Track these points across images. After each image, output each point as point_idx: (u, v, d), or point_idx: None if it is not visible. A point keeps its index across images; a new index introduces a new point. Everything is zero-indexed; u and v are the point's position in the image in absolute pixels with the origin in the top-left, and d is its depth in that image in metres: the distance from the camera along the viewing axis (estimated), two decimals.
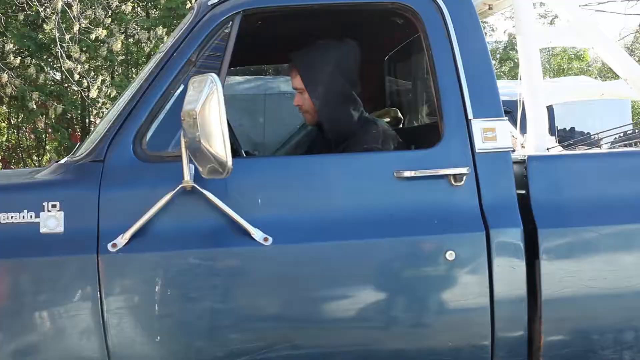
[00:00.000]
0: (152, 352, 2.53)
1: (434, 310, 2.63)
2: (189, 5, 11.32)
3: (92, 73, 11.61)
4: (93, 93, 11.07)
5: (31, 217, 2.51)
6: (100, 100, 11.56)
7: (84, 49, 11.03)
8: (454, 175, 2.63)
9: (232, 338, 2.57)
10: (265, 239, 2.53)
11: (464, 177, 2.63)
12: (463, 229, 2.61)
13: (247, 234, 2.53)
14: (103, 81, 11.55)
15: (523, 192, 2.70)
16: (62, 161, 2.82)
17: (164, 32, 11.49)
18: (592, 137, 4.50)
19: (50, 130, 13.68)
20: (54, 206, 2.52)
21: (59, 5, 9.97)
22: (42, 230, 2.51)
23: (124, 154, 2.60)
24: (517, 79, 3.42)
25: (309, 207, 2.62)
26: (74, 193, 2.57)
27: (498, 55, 21.98)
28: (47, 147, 14.74)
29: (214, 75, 2.35)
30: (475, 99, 2.70)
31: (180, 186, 2.51)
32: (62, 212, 2.52)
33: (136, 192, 2.58)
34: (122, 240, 2.49)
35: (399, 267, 2.62)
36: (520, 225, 2.61)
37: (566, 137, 7.61)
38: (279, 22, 3.01)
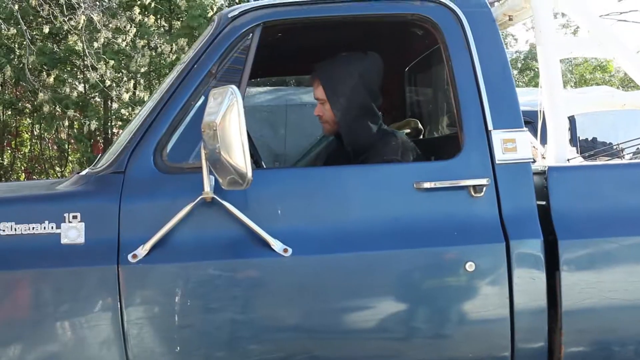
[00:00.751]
0: None
1: (454, 321, 2.62)
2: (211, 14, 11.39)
3: (114, 85, 11.67)
4: (125, 97, 11.17)
5: (52, 228, 2.53)
6: (124, 112, 11.64)
7: (108, 61, 11.13)
8: (474, 187, 2.62)
9: (252, 348, 2.57)
10: (285, 250, 2.53)
11: (484, 188, 2.62)
12: (483, 240, 2.60)
13: (266, 245, 2.53)
14: (127, 90, 11.64)
15: (543, 203, 2.68)
16: (83, 172, 2.85)
17: (185, 43, 11.57)
18: (614, 147, 4.46)
19: (73, 141, 13.78)
20: (74, 217, 2.54)
21: (82, 18, 10.08)
22: (63, 241, 2.53)
23: (145, 165, 2.62)
24: (537, 87, 3.42)
25: (329, 218, 2.62)
26: (95, 204, 2.59)
27: (519, 65, 21.91)
28: (69, 157, 14.85)
29: (233, 87, 2.37)
30: (495, 110, 2.69)
31: (200, 197, 2.52)
32: (83, 223, 2.54)
33: (156, 203, 2.59)
34: (142, 251, 2.51)
35: (419, 278, 2.62)
36: (541, 236, 2.60)
37: (588, 147, 7.56)
38: (298, 34, 3.02)
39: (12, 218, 2.54)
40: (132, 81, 12.28)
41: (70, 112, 11.38)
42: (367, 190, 2.65)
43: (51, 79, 11.48)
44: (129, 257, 2.50)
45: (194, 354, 2.54)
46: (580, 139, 8.07)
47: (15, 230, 2.53)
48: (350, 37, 3.14)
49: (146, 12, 11.82)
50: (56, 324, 2.52)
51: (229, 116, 2.31)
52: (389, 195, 2.64)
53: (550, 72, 2.92)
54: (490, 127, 2.68)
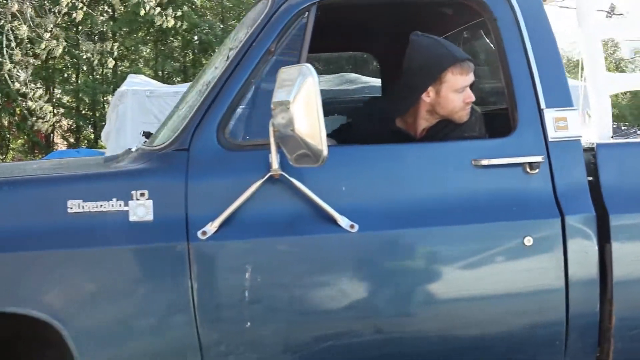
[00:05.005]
0: (242, 338, 2.57)
1: (513, 293, 2.71)
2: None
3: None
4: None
5: (120, 205, 2.53)
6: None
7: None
8: (530, 164, 2.71)
9: (319, 323, 2.62)
10: (352, 226, 2.58)
11: (539, 165, 2.71)
12: (540, 215, 2.70)
13: (332, 221, 2.58)
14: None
15: (590, 178, 2.78)
16: (135, 149, 2.85)
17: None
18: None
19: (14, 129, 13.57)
20: (142, 194, 2.55)
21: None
22: (132, 218, 2.53)
23: (208, 142, 2.63)
24: None
25: (391, 195, 2.68)
26: (162, 182, 2.59)
27: None
28: (10, 145, 14.61)
29: (308, 65, 2.39)
30: (547, 90, 2.78)
31: (268, 174, 2.55)
32: (151, 201, 2.54)
33: (221, 180, 2.61)
34: (211, 228, 2.53)
35: (480, 252, 2.69)
36: (593, 211, 2.70)
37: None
38: (351, 13, 3.05)
39: (79, 196, 2.53)
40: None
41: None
42: (428, 168, 2.72)
43: None
44: (199, 234, 2.52)
45: (263, 329, 2.58)
46: None
47: (83, 208, 2.53)
48: (401, 16, 3.18)
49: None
50: (125, 301, 2.53)
51: (304, 93, 2.34)
52: (449, 172, 2.71)
53: (593, 53, 3.02)
54: (542, 106, 2.77)
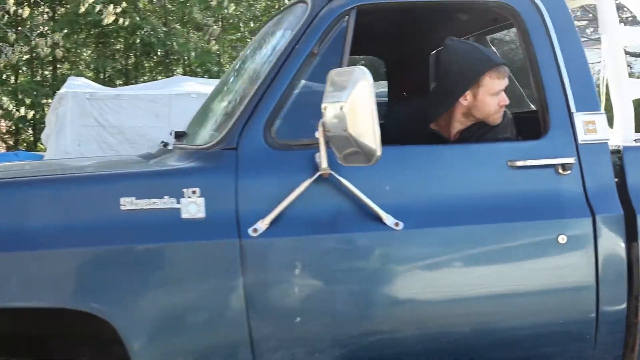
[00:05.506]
0: (292, 332, 2.64)
1: (547, 289, 2.83)
2: None
3: None
4: None
5: (172, 203, 2.58)
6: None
7: None
8: (562, 165, 2.83)
9: (365, 318, 2.70)
10: (396, 224, 2.67)
11: (571, 167, 2.83)
12: (573, 214, 2.82)
13: (378, 219, 2.66)
14: None
15: (616, 180, 2.92)
16: (172, 147, 2.91)
17: None
18: None
19: None
20: (194, 192, 2.60)
21: None
22: (184, 215, 2.58)
23: (256, 142, 2.69)
24: None
25: (433, 194, 2.78)
26: (214, 180, 2.65)
27: None
28: None
29: (363, 68, 2.46)
30: (577, 94, 2.90)
31: (318, 173, 2.62)
32: (203, 199, 2.60)
33: (269, 179, 2.67)
34: (262, 225, 2.59)
35: (517, 250, 2.81)
36: (622, 210, 2.84)
37: None
38: (387, 17, 3.14)
39: (131, 193, 2.57)
40: None
41: None
42: (467, 168, 2.82)
43: None
44: (250, 231, 2.58)
45: (312, 324, 2.65)
46: None
47: (136, 205, 2.57)
48: (433, 21, 3.28)
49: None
50: (177, 296, 2.58)
51: (359, 95, 2.41)
52: (487, 173, 2.83)
53: (616, 59, 3.16)
54: (572, 109, 2.89)
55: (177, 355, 2.59)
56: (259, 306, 2.60)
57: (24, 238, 2.52)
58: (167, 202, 2.58)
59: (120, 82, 24.19)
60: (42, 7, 21.26)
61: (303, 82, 2.78)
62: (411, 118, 3.26)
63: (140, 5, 23.01)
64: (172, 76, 20.12)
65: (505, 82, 3.09)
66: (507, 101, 3.11)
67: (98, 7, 10.78)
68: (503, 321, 2.83)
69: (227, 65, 21.66)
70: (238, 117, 2.74)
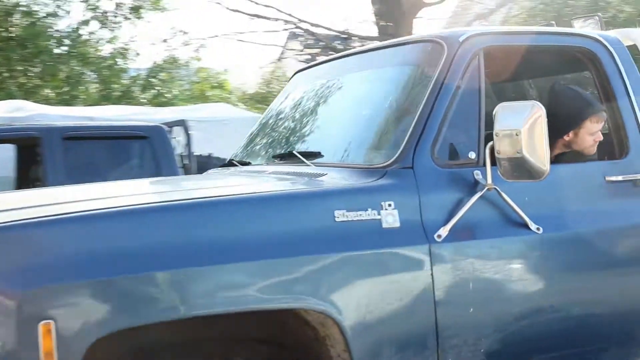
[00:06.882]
0: (467, 321, 3.15)
1: None
2: None
3: None
4: None
5: (375, 214, 3.02)
6: None
7: None
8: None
9: (519, 306, 3.27)
10: (538, 229, 3.27)
11: None
12: None
13: (524, 225, 3.25)
14: None
15: None
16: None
17: None
18: None
19: None
20: (390, 205, 3.05)
21: None
22: (384, 225, 3.02)
23: (425, 161, 3.19)
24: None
25: (555, 203, 3.41)
26: (403, 194, 3.10)
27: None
28: None
29: (537, 102, 3.05)
30: None
31: (485, 188, 3.16)
32: (397, 210, 3.05)
33: (440, 192, 3.18)
34: (444, 232, 3.09)
35: (626, 251, 3.58)
36: None
37: (204, 162, 8.55)
38: (504, 58, 3.74)
39: (343, 207, 2.98)
40: None
41: None
42: (580, 182, 3.50)
43: None
44: (435, 237, 3.08)
45: (482, 314, 3.17)
46: (196, 153, 8.83)
47: (347, 217, 2.98)
48: (533, 62, 3.92)
49: None
50: (381, 296, 2.98)
51: (535, 123, 2.99)
52: (594, 185, 3.51)
53: None
54: None
55: (383, 346, 3.01)
56: (443, 299, 3.08)
57: (253, 248, 2.83)
58: (370, 214, 3.01)
59: None
60: None
61: (453, 111, 3.30)
62: None
63: None
64: None
65: (602, 124, 3.85)
66: (601, 138, 3.88)
67: None
68: (619, 315, 3.55)
69: None
70: (407, 141, 3.21)
